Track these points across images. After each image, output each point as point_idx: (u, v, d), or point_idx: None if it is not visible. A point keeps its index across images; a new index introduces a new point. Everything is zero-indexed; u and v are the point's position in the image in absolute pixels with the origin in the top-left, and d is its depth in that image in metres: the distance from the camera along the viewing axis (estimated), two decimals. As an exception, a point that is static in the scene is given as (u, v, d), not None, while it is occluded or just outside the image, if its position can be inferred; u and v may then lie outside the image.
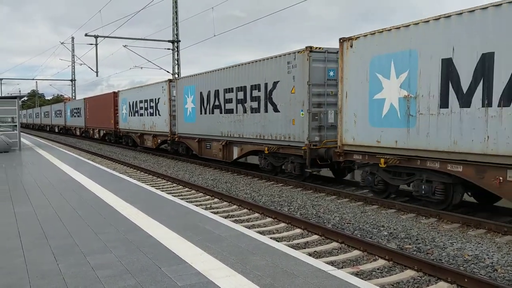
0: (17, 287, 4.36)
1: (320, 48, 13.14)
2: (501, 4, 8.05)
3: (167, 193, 11.33)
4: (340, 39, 11.86)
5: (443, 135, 9.19)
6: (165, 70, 35.03)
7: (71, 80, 63.13)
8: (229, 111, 17.47)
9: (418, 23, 9.71)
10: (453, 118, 8.98)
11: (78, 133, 43.83)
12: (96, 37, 32.84)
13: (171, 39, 33.70)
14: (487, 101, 8.36)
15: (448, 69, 9.06)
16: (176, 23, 33.45)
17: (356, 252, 7.16)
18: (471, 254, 6.96)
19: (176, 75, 33.33)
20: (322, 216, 9.72)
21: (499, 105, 8.14)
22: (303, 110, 13.29)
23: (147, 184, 13.56)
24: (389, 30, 10.44)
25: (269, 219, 9.57)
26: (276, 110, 14.65)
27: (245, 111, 16.43)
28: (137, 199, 8.87)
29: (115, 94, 31.97)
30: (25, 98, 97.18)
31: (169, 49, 33.91)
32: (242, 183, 14.55)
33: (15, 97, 22.38)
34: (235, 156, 17.31)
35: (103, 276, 4.60)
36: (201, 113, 19.91)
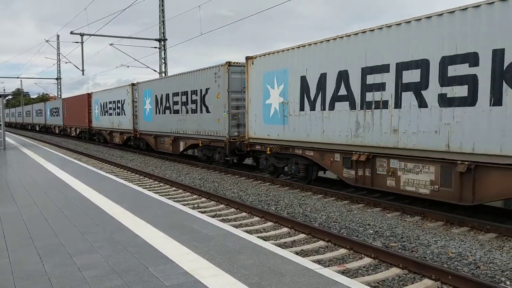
0: (2, 288, 4.32)
1: (237, 63, 16.33)
2: (329, 40, 11.46)
3: (154, 192, 11.29)
4: (246, 57, 14.90)
5: (302, 130, 12.62)
6: (151, 69, 34.86)
7: (57, 79, 62.40)
8: (176, 112, 20.55)
9: (289, 49, 12.94)
10: (306, 118, 12.44)
11: (57, 131, 45.98)
12: (81, 35, 32.40)
13: (158, 37, 33.49)
14: (323, 106, 11.84)
15: (304, 84, 12.42)
16: (163, 22, 33.23)
17: (342, 251, 7.23)
18: (454, 252, 7.08)
19: (163, 74, 33.16)
20: (308, 215, 9.79)
21: (329, 109, 11.65)
22: (225, 111, 16.47)
23: (134, 184, 13.48)
24: (273, 53, 13.70)
25: (256, 218, 9.60)
26: (208, 111, 17.76)
27: (187, 112, 19.48)
28: (123, 199, 8.83)
29: (89, 95, 34.55)
30: (10, 97, 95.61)
31: (156, 47, 33.72)
32: (229, 182, 14.57)
33: (-1, 96, 22.01)
34: (181, 149, 20.56)
35: (89, 276, 4.58)
36: (156, 113, 22.83)
